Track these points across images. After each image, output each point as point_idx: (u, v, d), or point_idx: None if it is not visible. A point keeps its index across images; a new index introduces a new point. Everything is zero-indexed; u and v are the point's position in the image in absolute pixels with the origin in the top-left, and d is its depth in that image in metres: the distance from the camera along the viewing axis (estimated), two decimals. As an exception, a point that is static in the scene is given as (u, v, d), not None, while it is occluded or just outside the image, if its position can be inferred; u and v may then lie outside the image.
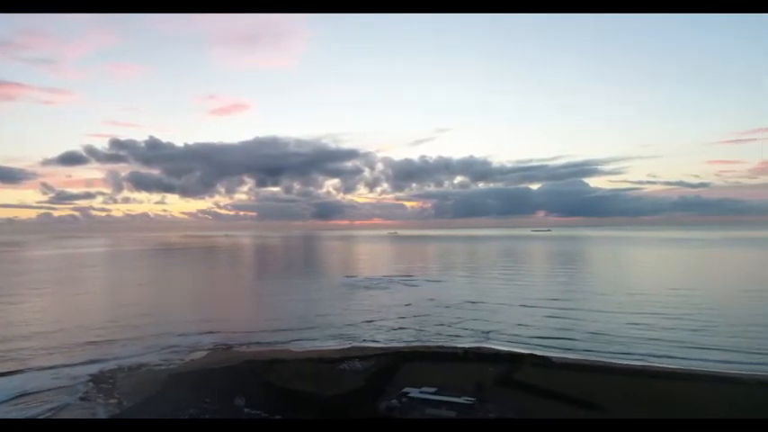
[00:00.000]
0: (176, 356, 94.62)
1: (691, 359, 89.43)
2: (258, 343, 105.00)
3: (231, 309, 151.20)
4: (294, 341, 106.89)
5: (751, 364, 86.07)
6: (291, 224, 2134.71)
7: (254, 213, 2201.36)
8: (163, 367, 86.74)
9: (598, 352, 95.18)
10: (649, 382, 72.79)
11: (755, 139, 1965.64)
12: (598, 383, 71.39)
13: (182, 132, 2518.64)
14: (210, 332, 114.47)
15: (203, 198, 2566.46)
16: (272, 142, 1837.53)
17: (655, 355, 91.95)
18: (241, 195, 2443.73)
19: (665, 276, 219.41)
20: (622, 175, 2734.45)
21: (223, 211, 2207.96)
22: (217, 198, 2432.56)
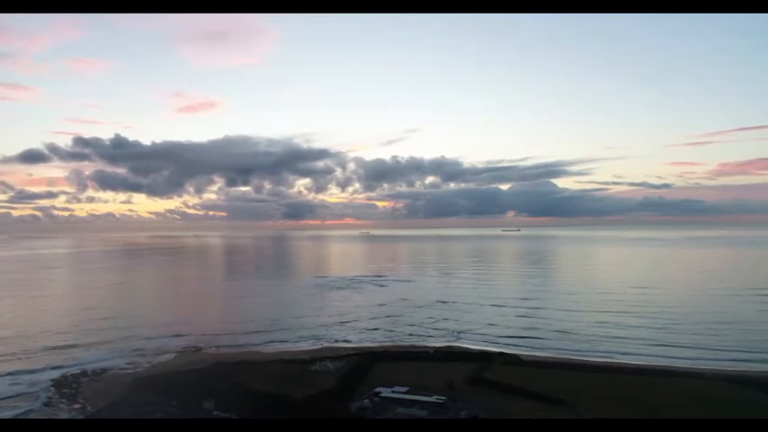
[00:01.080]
0: (143, 360, 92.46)
1: (654, 356, 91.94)
2: (228, 345, 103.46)
3: (200, 311, 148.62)
4: (265, 343, 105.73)
5: (711, 360, 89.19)
6: (262, 224, 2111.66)
7: (223, 213, 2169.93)
8: (128, 371, 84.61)
9: (566, 350, 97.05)
10: (615, 377, 74.78)
11: (714, 142, 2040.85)
12: (566, 380, 72.72)
13: (149, 130, 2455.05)
14: (178, 335, 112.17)
15: (171, 198, 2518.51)
16: (243, 141, 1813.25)
17: (620, 353, 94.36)
18: (210, 195, 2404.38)
19: (631, 275, 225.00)
20: (589, 176, 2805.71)
21: (192, 211, 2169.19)
22: (185, 198, 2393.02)
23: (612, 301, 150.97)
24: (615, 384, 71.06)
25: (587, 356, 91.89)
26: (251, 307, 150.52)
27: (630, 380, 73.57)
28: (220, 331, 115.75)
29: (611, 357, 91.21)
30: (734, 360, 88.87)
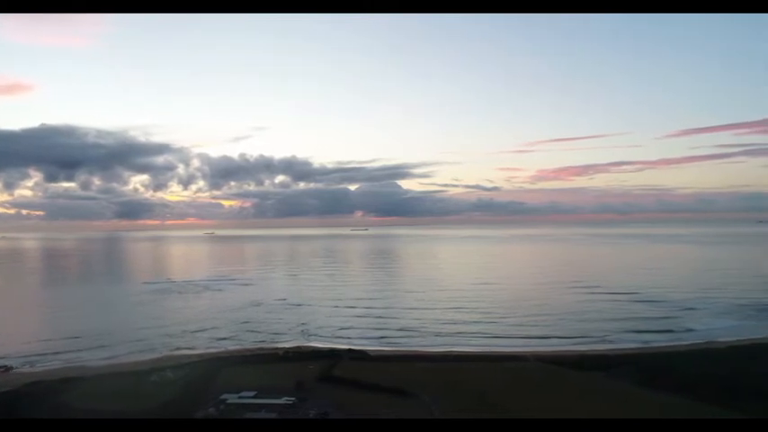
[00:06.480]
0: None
1: (487, 345, 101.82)
2: (48, 362, 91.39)
3: (9, 326, 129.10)
4: (95, 358, 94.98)
5: (534, 345, 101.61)
6: (90, 224, 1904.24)
7: (41, 212, 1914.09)
8: None
9: (410, 345, 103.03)
10: (451, 365, 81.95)
11: (534, 151, 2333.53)
12: (409, 371, 77.49)
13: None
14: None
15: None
16: (67, 131, 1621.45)
17: (456, 344, 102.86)
18: (25, 191, 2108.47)
19: (469, 272, 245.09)
20: (431, 179, 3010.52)
21: (0, 210, 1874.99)
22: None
23: (452, 297, 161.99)
24: (452, 371, 77.56)
25: (428, 349, 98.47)
26: (75, 319, 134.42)
27: (465, 366, 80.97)
28: (37, 348, 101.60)
29: (449, 347, 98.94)
30: (552, 345, 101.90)
